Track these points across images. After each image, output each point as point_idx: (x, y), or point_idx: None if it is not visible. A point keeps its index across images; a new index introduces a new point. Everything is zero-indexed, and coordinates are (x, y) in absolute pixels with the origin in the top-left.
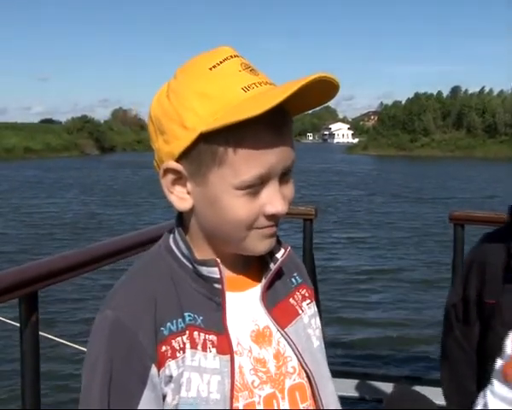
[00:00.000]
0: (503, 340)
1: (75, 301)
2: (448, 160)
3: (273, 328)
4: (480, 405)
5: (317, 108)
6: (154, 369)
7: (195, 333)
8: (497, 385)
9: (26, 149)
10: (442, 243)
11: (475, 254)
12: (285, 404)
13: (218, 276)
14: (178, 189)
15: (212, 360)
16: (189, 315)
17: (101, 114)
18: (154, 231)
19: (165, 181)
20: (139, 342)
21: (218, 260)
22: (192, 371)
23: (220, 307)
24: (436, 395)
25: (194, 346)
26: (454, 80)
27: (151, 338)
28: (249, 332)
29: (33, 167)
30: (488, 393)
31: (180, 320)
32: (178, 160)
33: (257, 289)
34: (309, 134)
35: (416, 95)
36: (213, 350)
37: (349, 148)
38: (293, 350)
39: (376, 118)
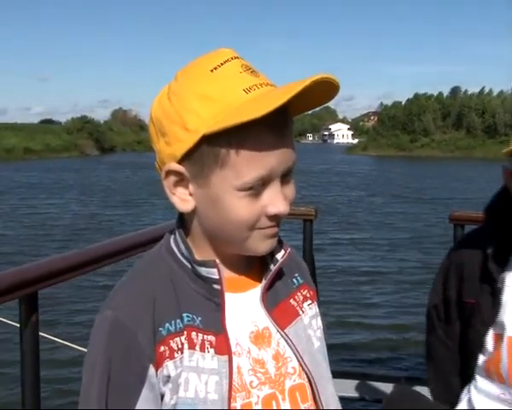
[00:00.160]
0: (483, 337)
1: (76, 303)
2: (448, 160)
3: (273, 329)
4: (464, 401)
5: (317, 109)
6: (152, 369)
7: (193, 334)
8: (480, 381)
9: (26, 149)
10: (442, 244)
11: (453, 255)
12: (286, 405)
13: (217, 277)
14: (180, 190)
15: (210, 360)
16: (188, 316)
17: (101, 115)
18: (155, 232)
19: (168, 183)
20: (138, 342)
21: (218, 261)
22: (190, 371)
23: (219, 307)
24: None
25: (192, 346)
26: (454, 81)
27: (149, 338)
28: (248, 333)
29: (33, 168)
30: (472, 389)
31: (178, 321)
32: (180, 161)
33: (257, 290)
34: (309, 135)
35: (416, 95)
36: (211, 351)
37: (349, 148)
38: (292, 351)
39: (376, 118)
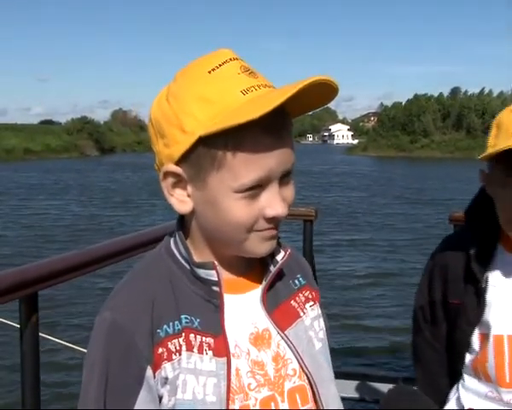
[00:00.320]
0: (469, 337)
1: (76, 304)
2: (448, 161)
3: (273, 330)
4: (453, 400)
5: (317, 110)
6: (149, 371)
7: (192, 335)
8: (468, 380)
9: (26, 150)
10: None
11: (437, 257)
12: (284, 407)
13: (216, 278)
14: (178, 192)
15: (208, 362)
16: (186, 317)
17: (101, 115)
18: (155, 232)
19: (166, 184)
20: (136, 344)
21: (216, 263)
22: (188, 373)
23: (218, 309)
24: None
25: (189, 348)
26: (454, 81)
27: (147, 340)
28: (248, 335)
29: (33, 169)
30: (460, 388)
31: (177, 322)
32: (178, 163)
33: (257, 292)
34: (309, 135)
35: (416, 96)
36: (210, 353)
37: (349, 149)
38: (293, 353)
39: (376, 119)
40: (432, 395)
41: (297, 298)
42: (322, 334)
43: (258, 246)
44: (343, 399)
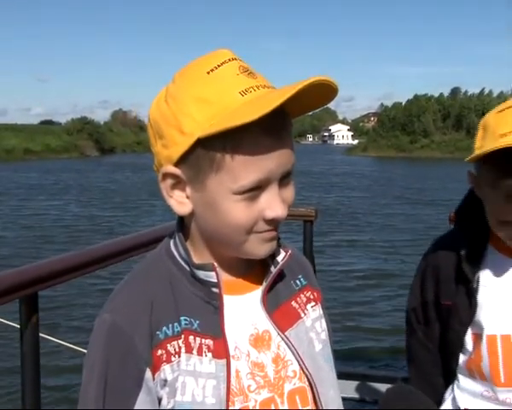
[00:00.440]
0: (462, 338)
1: (77, 305)
2: (448, 161)
3: (273, 332)
4: (448, 400)
5: (317, 110)
6: (148, 373)
7: (191, 337)
8: (462, 380)
9: (26, 150)
10: None
11: (428, 259)
12: (284, 408)
13: (215, 280)
14: (177, 193)
15: (207, 364)
16: (185, 319)
17: (101, 116)
18: (156, 233)
19: (165, 185)
20: (135, 346)
21: (216, 264)
22: (187, 375)
23: (218, 310)
24: None
25: (189, 350)
26: (454, 81)
27: (147, 342)
28: (248, 336)
29: (33, 169)
30: (455, 388)
31: (176, 324)
32: (177, 164)
33: (258, 293)
34: (309, 135)
35: (416, 96)
36: (209, 354)
37: (348, 149)
38: (293, 354)
39: (376, 119)
40: (427, 395)
41: (298, 299)
42: (324, 335)
43: (257, 248)
44: (343, 399)
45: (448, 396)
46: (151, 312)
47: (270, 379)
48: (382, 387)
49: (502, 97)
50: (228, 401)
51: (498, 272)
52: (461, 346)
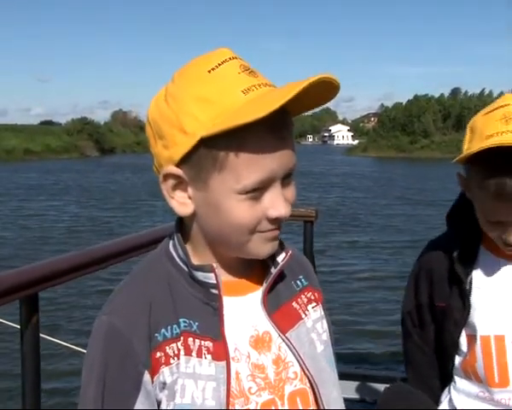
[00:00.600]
0: (457, 339)
1: (76, 305)
2: (448, 161)
3: (274, 333)
4: (445, 401)
5: (317, 110)
6: (147, 376)
7: (190, 339)
8: (458, 381)
9: (26, 150)
10: None
11: (422, 262)
12: None
13: (214, 281)
14: (179, 194)
15: (207, 366)
16: (185, 321)
17: (101, 116)
18: (156, 233)
19: (166, 186)
20: (133, 348)
21: (215, 266)
22: (186, 377)
23: (217, 312)
24: None
25: (188, 352)
26: (454, 82)
27: (145, 344)
28: (248, 337)
29: (33, 169)
30: (452, 389)
31: (175, 326)
32: (178, 165)
33: (258, 294)
34: (309, 136)
35: (416, 97)
36: (209, 356)
37: (348, 149)
38: (294, 355)
39: (376, 120)
40: None
41: (299, 299)
42: (325, 336)
43: (260, 247)
44: (343, 400)
45: (444, 398)
46: (149, 313)
47: (271, 381)
48: (383, 387)
49: None
50: (228, 403)
51: (491, 272)
52: (456, 347)
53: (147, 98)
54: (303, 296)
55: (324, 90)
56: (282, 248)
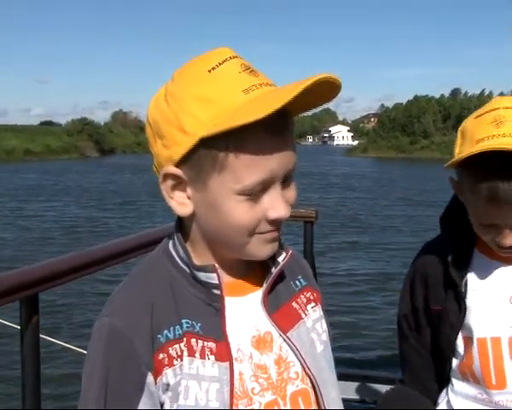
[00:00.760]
0: (454, 342)
1: (77, 306)
2: (448, 162)
3: (275, 333)
4: (443, 403)
5: (317, 111)
6: (150, 377)
7: (193, 340)
8: (456, 383)
9: (26, 151)
10: None
11: (416, 265)
12: None
13: (217, 281)
14: (178, 194)
15: (210, 367)
16: (187, 322)
17: (101, 116)
18: (156, 234)
19: (165, 186)
20: (135, 350)
21: (217, 266)
22: (190, 379)
23: (219, 312)
24: None
25: (191, 353)
26: (454, 82)
27: (147, 346)
28: (250, 338)
29: (33, 170)
30: (449, 391)
31: (178, 327)
32: (178, 164)
33: (258, 294)
34: (309, 136)
35: (416, 97)
36: (212, 357)
37: (348, 150)
38: (295, 355)
39: (376, 120)
40: None
41: (298, 299)
42: (324, 336)
43: (260, 249)
44: (344, 400)
45: (442, 400)
46: (151, 314)
47: (273, 381)
48: (382, 388)
49: None
50: (231, 404)
51: (485, 275)
52: (452, 350)
53: (147, 99)
54: (302, 296)
55: (325, 89)
56: (282, 248)
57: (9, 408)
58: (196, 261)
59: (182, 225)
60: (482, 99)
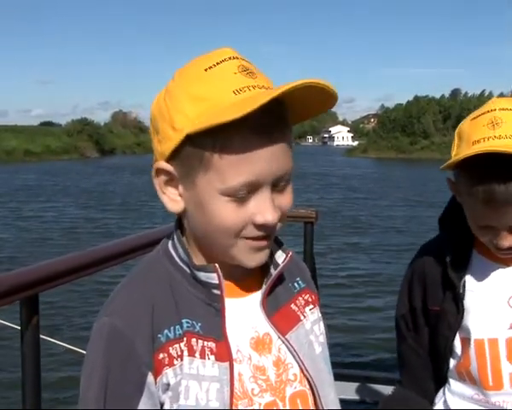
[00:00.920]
0: (451, 342)
1: (77, 306)
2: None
3: (273, 335)
4: (439, 403)
5: None
6: (150, 377)
7: (193, 340)
8: (453, 383)
9: (26, 151)
10: None
11: (415, 266)
12: None
13: (217, 281)
14: (171, 190)
15: (210, 367)
16: (187, 322)
17: (101, 117)
18: (156, 234)
19: (158, 181)
20: (135, 349)
21: (217, 266)
22: (190, 378)
23: (219, 313)
24: None
25: (191, 353)
26: (454, 83)
27: (148, 345)
28: (249, 339)
29: (32, 170)
30: (446, 391)
31: (178, 327)
32: (169, 160)
33: (257, 295)
34: (309, 137)
35: (416, 97)
36: (212, 357)
37: (348, 150)
38: (294, 357)
39: (376, 120)
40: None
41: (297, 301)
42: (322, 338)
43: (246, 256)
44: (344, 401)
45: (439, 400)
46: (152, 314)
47: (272, 383)
48: (383, 388)
49: None
50: (231, 404)
51: (483, 276)
52: (450, 350)
53: (147, 99)
54: (300, 298)
55: (322, 98)
56: (281, 249)
57: (10, 409)
58: (196, 261)
59: (181, 225)
60: (482, 99)
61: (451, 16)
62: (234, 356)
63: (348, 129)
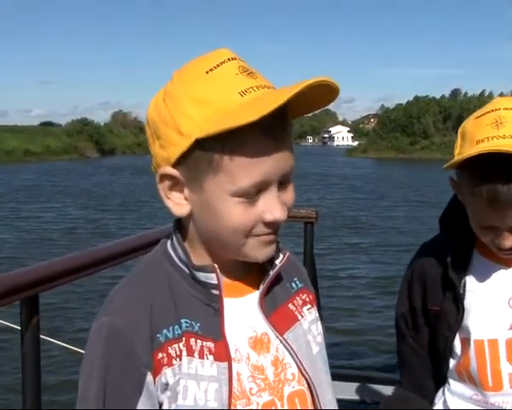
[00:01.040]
0: (451, 343)
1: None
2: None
3: (271, 334)
4: (438, 403)
5: (317, 111)
6: (149, 377)
7: (192, 340)
8: (452, 383)
9: (26, 151)
10: None
11: (414, 266)
12: None
13: (216, 282)
14: (175, 194)
15: (209, 367)
16: (186, 322)
17: (101, 117)
18: (156, 234)
19: (162, 186)
20: (135, 349)
21: (216, 266)
22: (189, 378)
23: (218, 313)
24: None
25: (190, 353)
26: (454, 83)
27: (147, 345)
28: (247, 339)
29: (32, 170)
30: (446, 391)
31: (177, 327)
32: (175, 165)
33: (255, 295)
34: (309, 137)
35: (416, 98)
36: (210, 357)
37: (348, 151)
38: (292, 357)
39: (376, 121)
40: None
41: (294, 301)
42: (319, 338)
43: (256, 251)
44: (344, 401)
45: (438, 400)
46: (151, 314)
47: (270, 382)
48: (383, 389)
49: None
50: (230, 404)
51: (484, 276)
52: (450, 351)
53: (147, 99)
54: (298, 298)
55: (324, 93)
56: (279, 249)
57: (10, 409)
58: (195, 261)
59: (180, 226)
60: (482, 100)
61: (451, 16)
62: (232, 356)
63: (348, 129)
